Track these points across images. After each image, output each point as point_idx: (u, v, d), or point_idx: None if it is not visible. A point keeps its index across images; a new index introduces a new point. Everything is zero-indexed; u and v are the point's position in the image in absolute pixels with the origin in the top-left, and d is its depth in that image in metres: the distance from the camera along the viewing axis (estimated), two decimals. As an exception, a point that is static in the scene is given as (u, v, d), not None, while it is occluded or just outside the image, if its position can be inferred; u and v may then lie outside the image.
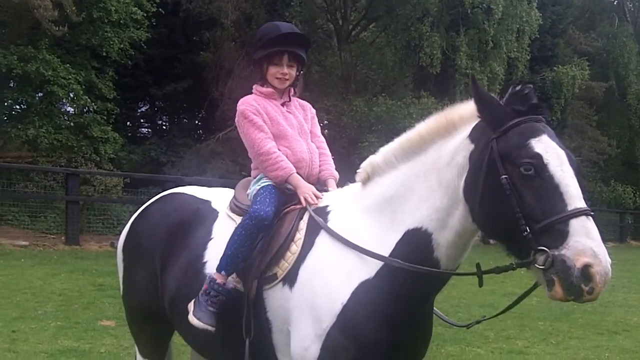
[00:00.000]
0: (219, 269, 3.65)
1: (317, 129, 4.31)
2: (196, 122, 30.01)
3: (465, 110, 3.26)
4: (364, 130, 24.15)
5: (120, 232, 4.63)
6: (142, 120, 31.07)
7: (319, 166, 4.13)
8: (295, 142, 4.03)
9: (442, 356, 8.30)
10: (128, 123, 29.24)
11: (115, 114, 22.76)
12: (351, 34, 28.92)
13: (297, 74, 4.13)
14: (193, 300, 3.69)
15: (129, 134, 27.53)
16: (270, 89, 4.07)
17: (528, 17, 27.57)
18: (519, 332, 10.14)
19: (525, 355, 8.95)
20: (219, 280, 3.63)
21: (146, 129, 30.88)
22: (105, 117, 22.03)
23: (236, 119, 4.03)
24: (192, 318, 3.61)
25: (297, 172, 3.91)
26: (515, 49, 27.95)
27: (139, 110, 30.31)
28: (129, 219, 4.61)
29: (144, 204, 4.59)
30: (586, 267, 2.74)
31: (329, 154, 4.23)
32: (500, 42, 27.09)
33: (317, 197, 3.76)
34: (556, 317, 11.40)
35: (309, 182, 3.93)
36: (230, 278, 3.69)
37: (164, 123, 31.42)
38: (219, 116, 25.61)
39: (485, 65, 26.87)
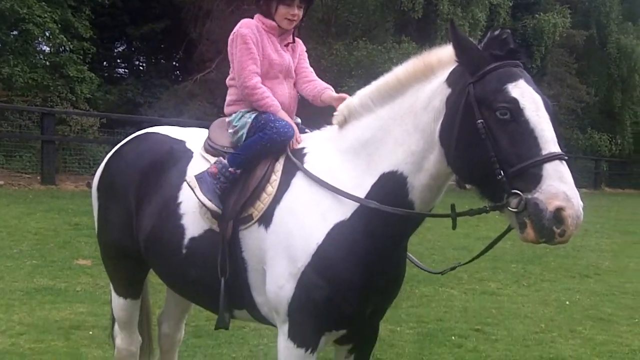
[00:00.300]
0: (231, 164, 3.67)
1: (306, 63, 4.25)
2: (174, 63, 29.64)
3: (444, 54, 3.24)
4: (344, 74, 23.92)
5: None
6: (118, 61, 30.63)
7: (315, 91, 4.09)
8: (278, 85, 4.01)
9: (416, 297, 8.41)
10: (105, 63, 28.81)
11: (92, 53, 22.32)
12: (333, -25, 28.45)
13: (304, 14, 4.07)
14: (194, 177, 3.68)
15: (106, 74, 27.09)
16: (274, 24, 4.00)
17: (512, -38, 27.31)
18: (492, 274, 10.30)
19: (497, 297, 9.11)
20: (231, 169, 3.65)
21: (123, 70, 30.47)
22: (81, 57, 21.62)
23: (232, 37, 3.94)
24: (202, 197, 3.61)
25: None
26: (497, -5, 27.72)
27: (116, 50, 29.85)
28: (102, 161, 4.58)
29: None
30: (558, 210, 2.76)
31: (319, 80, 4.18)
32: (483, -13, 26.83)
33: (297, 141, 3.78)
34: (529, 260, 11.59)
35: None
36: (205, 217, 3.69)
37: (141, 64, 30.96)
38: (197, 57, 25.27)
39: (467, 11, 26.58)
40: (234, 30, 3.94)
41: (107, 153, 4.61)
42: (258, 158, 3.67)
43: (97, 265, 9.14)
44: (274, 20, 3.97)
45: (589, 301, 9.24)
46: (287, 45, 4.10)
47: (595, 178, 38.91)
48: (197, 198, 3.62)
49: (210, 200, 3.59)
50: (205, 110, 23.26)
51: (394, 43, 25.10)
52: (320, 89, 4.08)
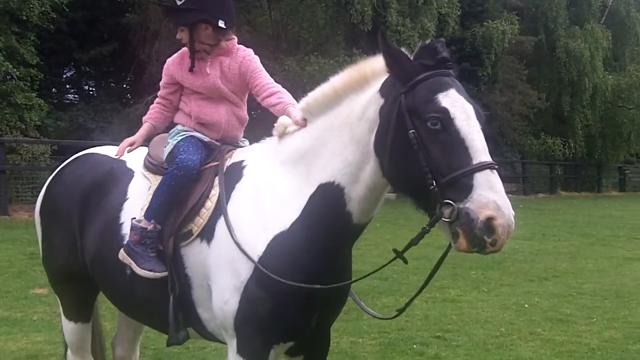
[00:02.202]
0: (148, 217, 3.62)
1: (261, 78, 3.99)
2: (124, 85, 29.35)
3: (378, 64, 3.21)
4: (297, 89, 23.76)
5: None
6: (67, 86, 30.22)
7: (278, 108, 3.86)
8: (211, 105, 3.98)
9: (377, 308, 8.34)
10: (53, 89, 28.36)
11: (40, 79, 21.95)
12: (281, -9, 28.52)
13: (191, 33, 3.92)
14: (124, 253, 3.64)
15: (55, 101, 26.69)
16: (184, 49, 4.05)
17: (458, -28, 27.70)
18: (452, 281, 10.31)
19: (458, 304, 9.12)
20: (150, 227, 3.60)
21: (72, 95, 30.04)
22: (29, 84, 21.25)
23: None
24: (143, 272, 3.56)
25: (150, 124, 4.22)
26: (445, 5, 28.06)
27: (64, 76, 29.49)
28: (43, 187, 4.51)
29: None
30: (489, 220, 2.75)
31: (281, 89, 3.97)
32: (431, -3, 27.14)
33: (119, 152, 4.04)
34: (488, 266, 11.66)
35: (225, 143, 3.93)
36: None
37: (91, 88, 30.59)
38: (147, 79, 25.02)
39: (416, 21, 26.88)
40: None
41: None
42: (171, 201, 3.62)
43: (54, 294, 8.92)
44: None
45: (548, 303, 9.30)
46: (201, 61, 4.01)
47: (550, 182, 39.59)
48: (139, 274, 3.57)
49: (152, 270, 3.56)
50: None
51: (346, 56, 25.17)
52: (282, 106, 3.82)
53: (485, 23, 32.78)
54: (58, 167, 4.55)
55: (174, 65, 4.05)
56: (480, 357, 6.78)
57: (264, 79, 3.99)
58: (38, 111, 20.80)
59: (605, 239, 17.01)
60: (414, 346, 7.08)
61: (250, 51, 4.06)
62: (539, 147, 38.11)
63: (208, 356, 6.63)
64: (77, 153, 4.51)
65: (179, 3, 3.88)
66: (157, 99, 4.20)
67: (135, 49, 25.36)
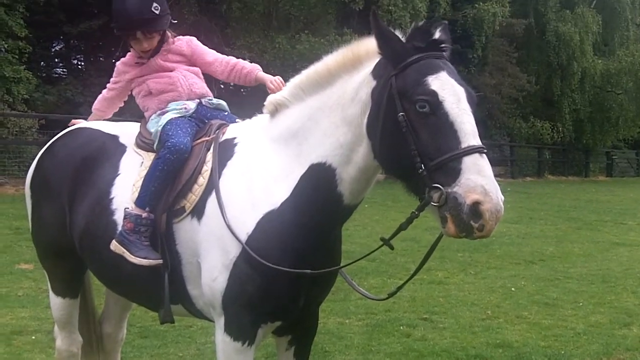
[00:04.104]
0: (141, 205, 3.59)
1: (208, 51, 4.22)
2: (113, 60, 28.97)
3: (372, 45, 3.17)
4: (287, 68, 23.79)
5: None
6: (56, 60, 29.95)
7: (243, 73, 4.07)
8: (159, 78, 4.12)
9: (365, 289, 8.30)
10: (42, 63, 28.10)
11: (28, 53, 21.79)
12: (272, -32, 28.29)
13: (161, 35, 4.10)
14: (117, 243, 3.61)
15: (44, 74, 26.48)
16: (132, 56, 4.20)
17: (451, -47, 27.57)
18: (439, 263, 10.34)
19: (445, 285, 9.17)
20: (145, 215, 3.58)
21: (61, 69, 29.75)
22: (17, 57, 21.07)
23: None
24: (137, 259, 3.53)
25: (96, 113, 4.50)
26: (437, -14, 27.95)
27: (53, 50, 29.16)
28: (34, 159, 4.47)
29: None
30: (476, 204, 2.74)
31: (239, 60, 4.15)
32: (423, -22, 27.02)
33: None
34: (475, 248, 11.70)
35: (189, 99, 4.02)
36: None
37: (80, 62, 30.34)
38: (137, 54, 24.87)
39: (407, 2, 26.72)
40: None
41: None
42: (163, 186, 3.60)
43: (40, 269, 8.79)
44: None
45: (534, 287, 9.35)
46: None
47: (538, 166, 39.74)
48: (133, 262, 3.54)
49: (147, 258, 3.53)
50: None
51: (337, 36, 25.11)
52: (246, 71, 4.06)
53: (476, 5, 32.65)
54: (45, 141, 4.51)
55: (131, 66, 4.20)
56: (466, 339, 6.81)
57: (218, 55, 4.17)
58: (26, 84, 20.64)
59: (592, 223, 17.09)
60: (401, 327, 7.11)
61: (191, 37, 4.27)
62: (527, 131, 38.18)
63: (194, 334, 6.64)
64: (64, 127, 4.48)
65: (156, 12, 3.96)
66: (105, 91, 4.41)
67: (125, 23, 25.10)
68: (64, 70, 29.60)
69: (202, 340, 6.45)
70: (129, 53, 4.23)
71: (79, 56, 30.41)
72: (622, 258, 12.05)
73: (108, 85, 4.38)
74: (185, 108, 3.92)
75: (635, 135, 44.46)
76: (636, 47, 41.80)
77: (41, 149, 4.47)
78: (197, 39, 4.29)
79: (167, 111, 3.90)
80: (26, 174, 4.47)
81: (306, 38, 24.81)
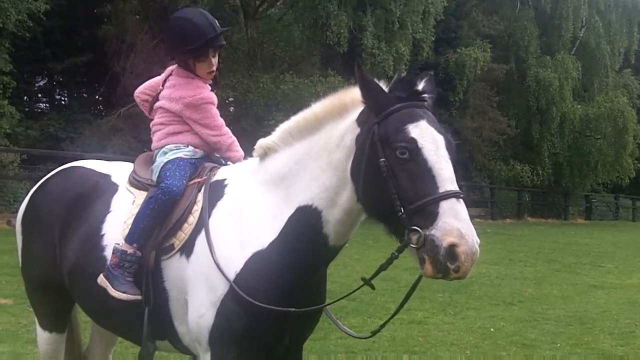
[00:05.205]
0: (129, 242, 3.67)
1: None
2: (97, 97, 29.24)
3: (358, 94, 3.32)
4: (271, 107, 24.03)
5: (17, 209, 4.55)
6: (40, 95, 30.08)
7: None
8: None
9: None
10: (25, 97, 28.18)
11: (12, 87, 21.83)
12: (258, 10, 28.52)
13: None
14: (103, 277, 3.68)
15: (26, 109, 26.56)
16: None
17: (434, -1, 28.03)
18: (419, 303, 10.37)
19: (424, 325, 9.19)
20: (130, 251, 3.65)
21: (44, 104, 29.88)
22: (1, 91, 21.15)
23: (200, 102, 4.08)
24: (117, 293, 3.61)
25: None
26: (420, 30, 28.34)
27: (37, 85, 29.30)
28: (26, 196, 4.54)
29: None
30: (452, 247, 2.86)
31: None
32: (406, 22, 27.45)
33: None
34: (455, 289, 11.75)
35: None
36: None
37: (63, 98, 30.44)
38: (121, 91, 24.90)
39: (391, 45, 27.11)
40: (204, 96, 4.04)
41: (27, 190, 4.57)
42: (153, 225, 3.68)
43: (19, 304, 8.89)
44: (196, 74, 4.08)
45: (513, 328, 9.40)
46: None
47: (518, 208, 39.95)
48: (113, 295, 3.62)
49: (125, 292, 3.61)
50: (130, 144, 22.98)
51: (321, 77, 25.37)
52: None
53: (458, 50, 33.17)
54: (26, 175, 4.57)
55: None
56: (446, 379, 6.85)
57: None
58: (9, 119, 20.66)
59: (571, 266, 17.22)
60: (381, 367, 7.12)
61: None
62: (507, 173, 38.48)
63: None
64: (46, 162, 4.55)
65: (219, 29, 4.05)
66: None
67: (110, 60, 25.27)
68: (47, 105, 29.69)
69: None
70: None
71: (62, 92, 30.50)
72: (599, 300, 12.14)
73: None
74: (195, 151, 4.02)
75: (614, 179, 44.83)
76: (615, 93, 42.41)
77: (21, 183, 4.53)
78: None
79: (180, 148, 3.98)
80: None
81: (290, 78, 25.02)
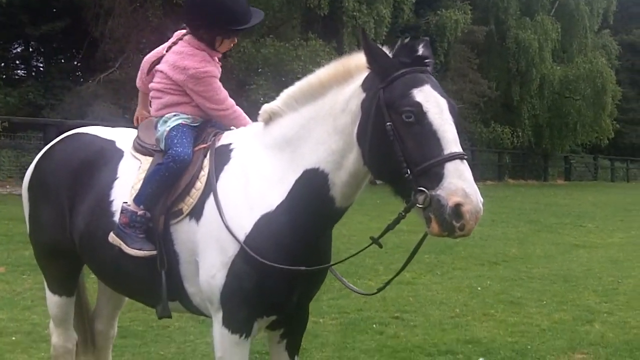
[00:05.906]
0: (137, 202, 3.73)
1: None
2: (75, 63, 28.89)
3: (361, 60, 3.38)
4: (252, 72, 23.90)
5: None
6: (17, 62, 29.65)
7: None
8: None
9: (335, 289, 8.52)
10: (2, 64, 27.83)
11: (-12, 55, 21.55)
12: (237, -27, 28.25)
13: None
14: (114, 235, 3.76)
15: (4, 76, 26.30)
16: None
17: (414, -40, 27.92)
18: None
19: (413, 286, 9.37)
20: (140, 213, 3.72)
21: (22, 71, 29.50)
22: (-23, 58, 20.84)
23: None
24: (132, 251, 3.69)
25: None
26: (401, -8, 28.29)
27: (13, 51, 28.85)
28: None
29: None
30: (457, 206, 2.96)
31: None
32: (387, -16, 27.34)
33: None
34: (441, 250, 11.94)
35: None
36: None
37: (41, 64, 30.09)
38: (100, 57, 24.76)
39: (372, 7, 27.03)
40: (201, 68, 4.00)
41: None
42: (161, 190, 3.74)
43: (12, 271, 8.96)
44: (214, 49, 4.09)
45: (499, 286, 9.59)
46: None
47: (499, 170, 40.34)
48: (129, 253, 3.70)
49: (141, 249, 3.69)
50: (111, 111, 22.70)
51: (301, 40, 25.23)
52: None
53: (439, 12, 33.17)
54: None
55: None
56: (437, 336, 7.00)
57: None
58: (-14, 87, 20.39)
59: (552, 226, 17.50)
60: (374, 326, 7.27)
61: None
62: (488, 135, 38.73)
63: (172, 334, 6.72)
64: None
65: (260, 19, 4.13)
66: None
67: (88, 26, 24.93)
68: (25, 72, 29.33)
69: (181, 340, 6.55)
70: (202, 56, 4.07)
71: (39, 58, 30.13)
72: (582, 259, 12.39)
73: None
74: (195, 119, 4.04)
75: (593, 140, 45.34)
76: (594, 54, 42.73)
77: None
78: (161, 42, 4.37)
79: (178, 115, 4.00)
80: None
81: (271, 42, 24.88)
